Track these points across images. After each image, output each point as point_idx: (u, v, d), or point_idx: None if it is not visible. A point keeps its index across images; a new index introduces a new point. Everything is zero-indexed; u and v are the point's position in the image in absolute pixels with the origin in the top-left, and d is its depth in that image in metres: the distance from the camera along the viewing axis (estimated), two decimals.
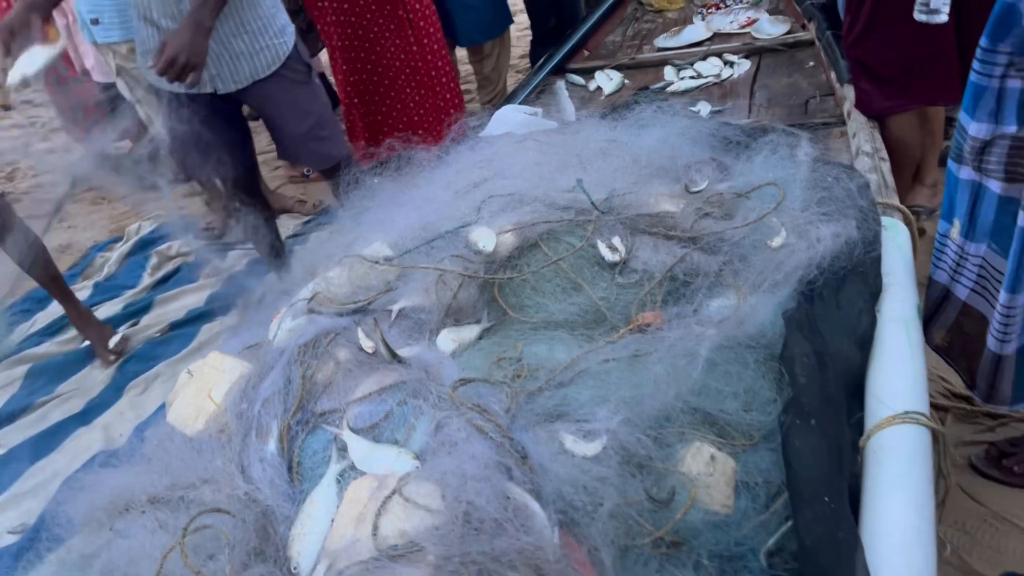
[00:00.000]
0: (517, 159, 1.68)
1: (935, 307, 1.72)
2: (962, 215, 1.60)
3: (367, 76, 3.24)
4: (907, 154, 2.27)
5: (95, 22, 2.88)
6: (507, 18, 3.61)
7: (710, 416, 1.05)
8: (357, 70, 3.23)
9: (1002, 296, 1.51)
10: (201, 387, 1.25)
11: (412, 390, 1.07)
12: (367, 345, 1.20)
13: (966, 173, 1.56)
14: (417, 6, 3.18)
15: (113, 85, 3.18)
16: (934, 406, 1.79)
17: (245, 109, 2.60)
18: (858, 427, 1.13)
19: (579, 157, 1.65)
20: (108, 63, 3.02)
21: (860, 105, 2.12)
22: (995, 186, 1.53)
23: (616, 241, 1.37)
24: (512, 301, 1.33)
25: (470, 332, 1.29)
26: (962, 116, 1.55)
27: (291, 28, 2.36)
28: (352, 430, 1.04)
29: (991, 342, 1.56)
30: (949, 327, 1.70)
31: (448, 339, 1.25)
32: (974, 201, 1.58)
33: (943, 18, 1.81)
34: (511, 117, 2.38)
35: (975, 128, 1.52)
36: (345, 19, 3.11)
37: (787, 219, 1.37)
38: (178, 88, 2.09)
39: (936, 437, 1.09)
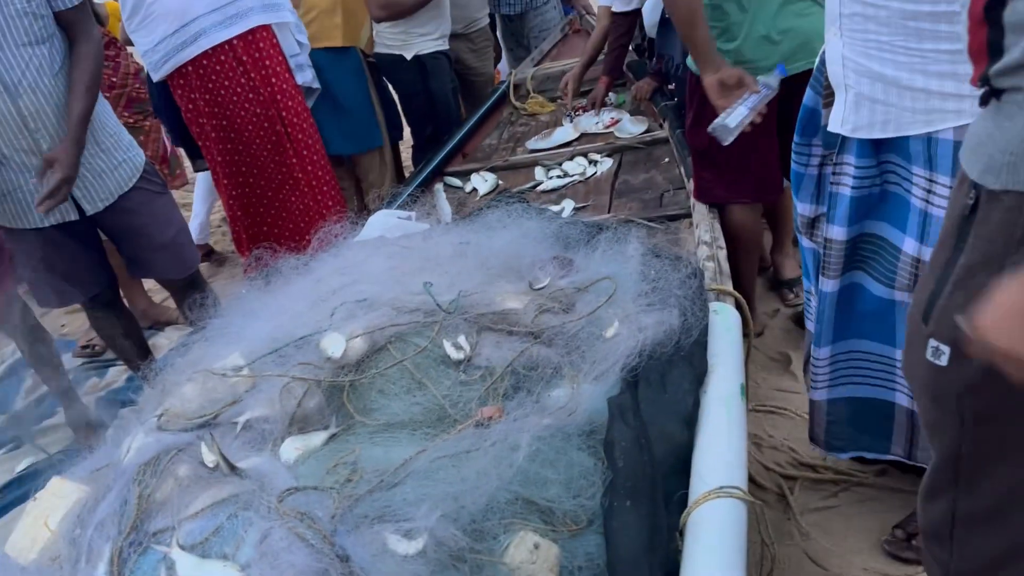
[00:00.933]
0: (375, 264, 1.75)
1: (807, 352, 1.85)
2: (812, 276, 1.78)
3: (249, 190, 3.28)
4: (749, 239, 2.43)
5: None
6: (377, 136, 3.76)
7: (536, 504, 1.10)
8: (239, 184, 3.27)
9: (812, 349, 1.68)
10: (39, 515, 1.23)
11: (244, 502, 1.09)
12: (209, 459, 1.21)
13: (806, 242, 1.78)
14: (295, 120, 3.27)
15: None
16: (784, 476, 1.88)
17: None
18: (684, 504, 1.19)
19: (434, 260, 1.73)
20: None
21: (699, 194, 2.28)
22: None
23: (461, 340, 1.44)
24: (359, 405, 1.36)
25: (316, 439, 1.31)
26: (793, 196, 1.76)
27: (134, 141, 2.47)
28: (181, 547, 1.04)
29: (811, 390, 1.72)
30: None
31: (291, 448, 1.27)
32: (817, 266, 1.74)
33: (726, 140, 1.98)
34: (384, 221, 2.46)
35: (802, 207, 1.74)
36: (225, 135, 3.17)
37: (619, 311, 1.47)
38: (42, 222, 2.12)
39: (753, 509, 1.17)
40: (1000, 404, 0.98)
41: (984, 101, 0.96)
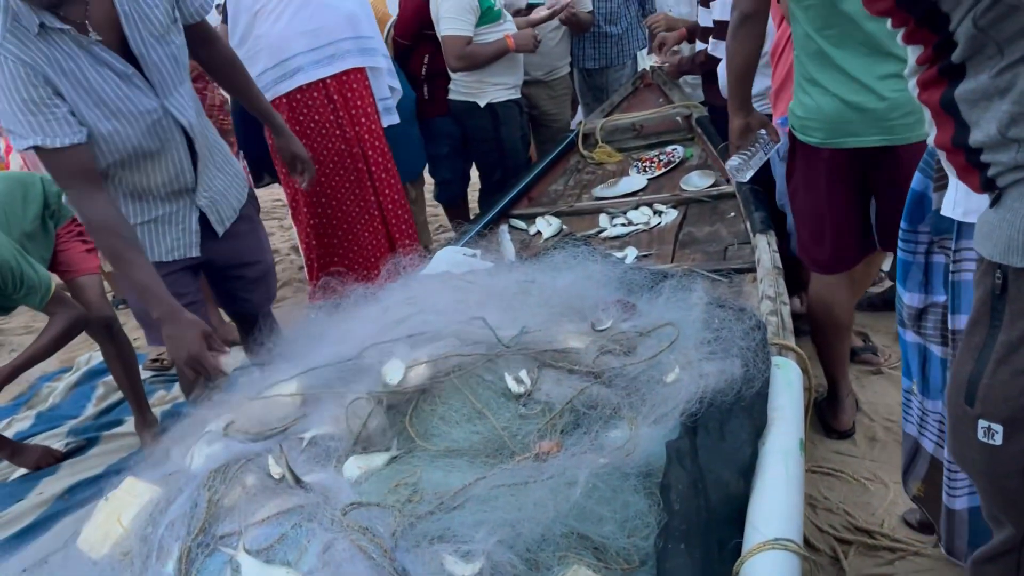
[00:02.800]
0: (440, 297, 1.80)
1: (909, 458, 1.79)
2: (916, 374, 1.71)
3: (327, 220, 3.41)
4: (827, 319, 2.39)
5: None
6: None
7: (591, 540, 1.12)
8: (317, 214, 3.40)
9: (946, 452, 1.59)
10: (112, 512, 1.29)
11: (308, 513, 1.13)
12: (275, 471, 1.26)
13: (910, 336, 1.69)
14: (378, 159, 3.40)
15: None
16: (838, 539, 1.85)
17: None
18: (737, 552, 1.19)
19: (497, 296, 1.77)
20: None
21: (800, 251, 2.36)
22: (937, 350, 1.65)
23: (523, 374, 1.47)
24: (420, 430, 1.40)
25: (379, 459, 1.35)
26: (898, 285, 1.70)
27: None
28: (247, 552, 1.08)
29: (944, 496, 1.62)
30: (923, 478, 1.76)
31: (354, 466, 1.32)
32: (923, 362, 1.69)
33: (742, 177, 2.07)
34: (450, 257, 2.52)
35: (908, 297, 1.67)
36: None
37: (681, 357, 1.48)
38: (168, 256, 2.16)
39: (807, 564, 1.16)
40: None
41: (994, 202, 1.01)
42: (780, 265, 2.23)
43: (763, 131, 2.20)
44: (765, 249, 2.30)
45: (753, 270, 2.30)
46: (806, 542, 1.83)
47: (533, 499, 1.12)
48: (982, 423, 1.04)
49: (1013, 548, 1.08)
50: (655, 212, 2.93)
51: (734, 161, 2.11)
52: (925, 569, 1.76)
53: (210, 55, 2.26)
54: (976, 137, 1.00)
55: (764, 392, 1.47)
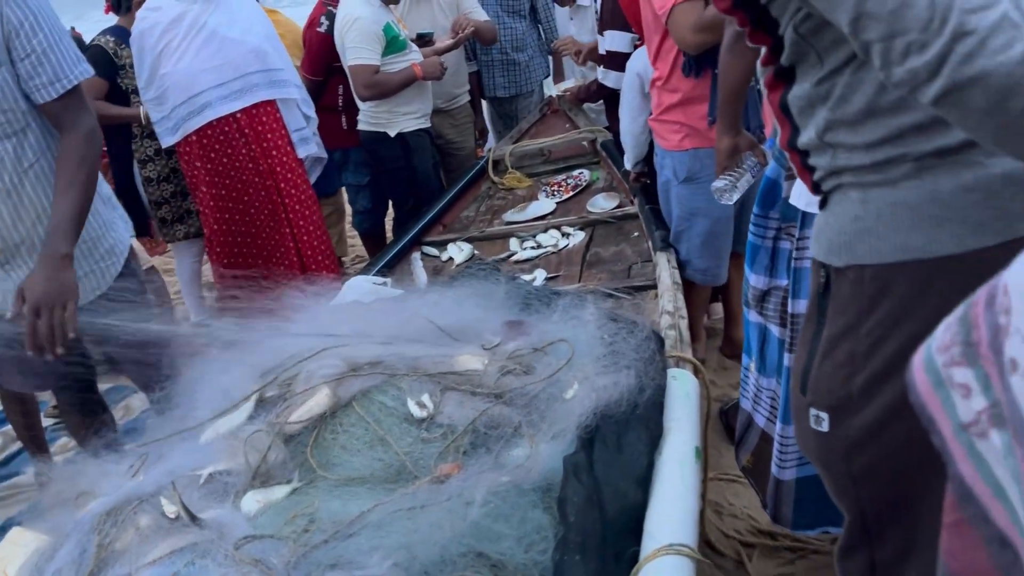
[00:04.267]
0: (344, 326, 1.79)
1: (743, 431, 1.89)
2: (755, 352, 1.81)
3: (242, 260, 3.40)
4: None
5: None
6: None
7: (489, 558, 1.13)
8: (232, 253, 3.41)
9: (778, 426, 1.70)
10: None
11: (202, 550, 1.11)
12: (170, 510, 1.23)
13: (753, 316, 1.81)
14: (292, 191, 3.41)
15: None
16: (742, 543, 1.91)
17: None
18: (635, 561, 1.22)
19: (402, 322, 1.78)
20: None
21: None
22: (775, 330, 1.76)
23: (425, 398, 1.48)
24: (322, 459, 1.39)
25: (279, 492, 1.34)
26: (746, 267, 1.80)
27: (123, 245, 2.14)
28: None
29: (774, 468, 1.72)
30: (753, 450, 1.87)
31: (253, 500, 1.30)
32: (762, 341, 1.79)
33: (728, 200, 2.09)
34: (360, 286, 2.52)
35: (754, 280, 1.78)
36: (222, 204, 3.33)
37: (578, 373, 1.52)
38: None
39: (702, 569, 1.20)
40: (883, 459, 1.05)
41: (822, 205, 1.09)
42: (679, 281, 2.31)
43: (751, 153, 2.14)
44: (665, 266, 2.38)
45: (655, 287, 2.37)
46: (711, 547, 1.88)
47: (430, 521, 1.13)
48: (812, 411, 1.11)
49: (861, 543, 1.14)
50: (563, 234, 2.99)
51: (720, 183, 2.07)
52: (824, 566, 1.83)
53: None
54: (802, 140, 1.07)
55: (660, 402, 1.52)
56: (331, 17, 3.70)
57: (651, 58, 2.54)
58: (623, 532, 1.25)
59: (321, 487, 1.33)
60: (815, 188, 1.10)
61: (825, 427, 1.10)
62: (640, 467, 1.36)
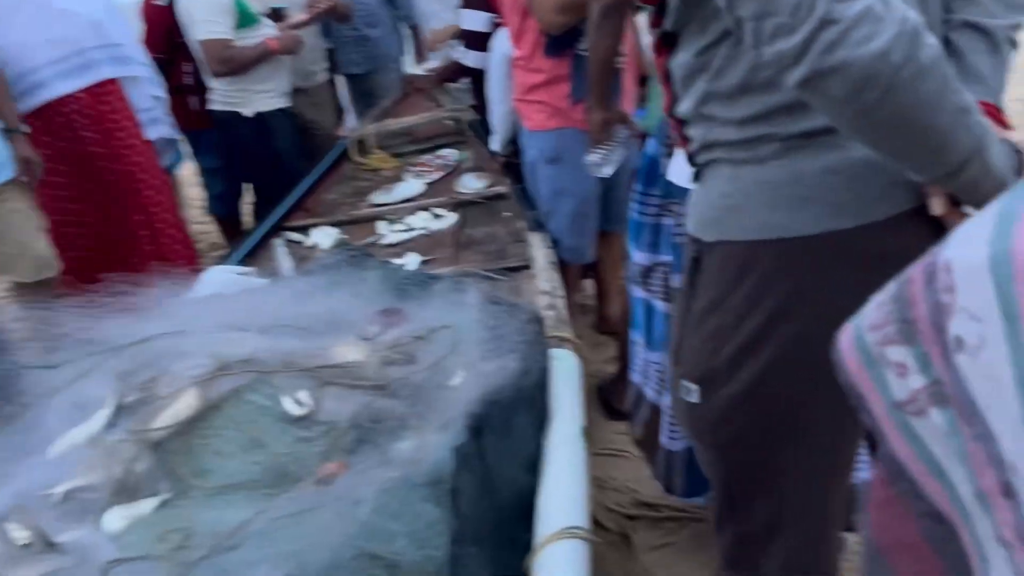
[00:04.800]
0: (206, 321, 1.68)
1: (634, 404, 1.93)
2: (641, 328, 1.84)
3: (84, 251, 3.12)
4: None
5: None
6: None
7: (382, 559, 1.08)
8: (71, 245, 3.11)
9: (666, 399, 1.74)
10: None
11: None
12: (19, 536, 1.11)
13: (638, 292, 1.83)
14: (142, 175, 3.19)
15: None
16: (626, 516, 1.95)
17: None
18: (530, 547, 1.21)
19: (272, 315, 1.68)
20: None
21: None
22: (660, 305, 1.80)
23: (302, 395, 1.40)
24: (193, 467, 1.29)
25: (146, 506, 1.23)
26: (629, 244, 1.83)
27: None
28: None
29: (664, 439, 1.77)
30: (645, 422, 1.91)
31: (117, 517, 1.19)
32: (648, 316, 1.83)
33: (602, 173, 2.13)
34: (220, 277, 2.37)
35: (638, 256, 1.81)
36: (63, 192, 3.05)
37: (462, 359, 1.48)
38: None
39: (597, 549, 1.20)
40: (748, 430, 1.09)
41: (696, 177, 1.11)
42: (555, 260, 2.32)
43: (623, 126, 2.18)
44: (539, 246, 2.38)
45: (529, 267, 2.37)
46: (596, 524, 1.91)
47: (317, 525, 1.07)
48: (683, 383, 1.14)
49: (729, 517, 1.18)
50: (434, 216, 2.93)
51: (593, 157, 2.08)
52: (706, 533, 1.89)
53: None
54: (681, 109, 1.08)
55: (545, 384, 1.51)
56: None
57: (512, 38, 2.53)
58: (517, 518, 1.24)
59: (194, 498, 1.23)
60: (690, 159, 1.11)
61: (695, 398, 1.13)
62: (530, 451, 1.35)
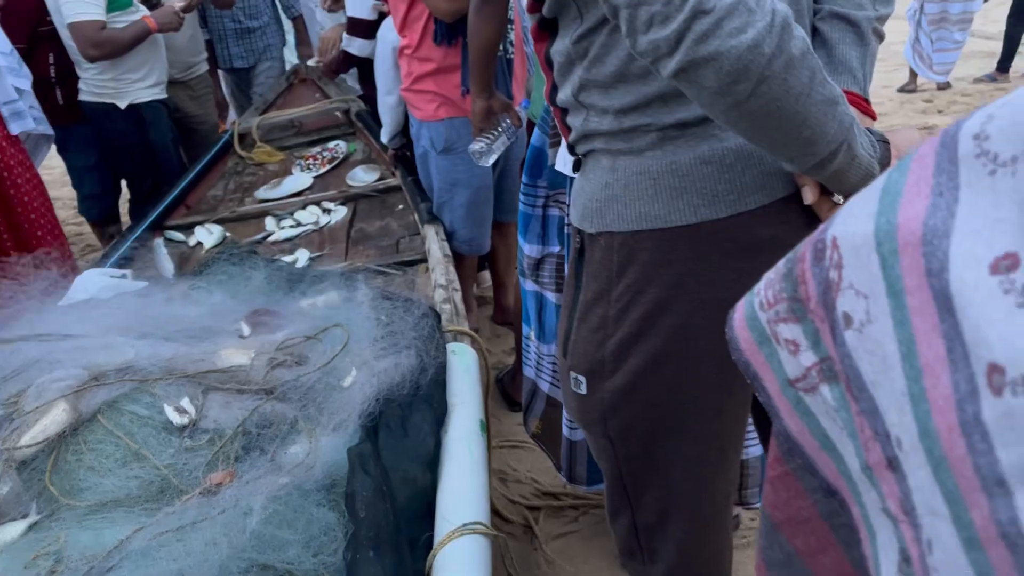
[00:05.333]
0: (80, 327, 1.57)
1: (529, 399, 1.92)
2: (533, 321, 1.83)
3: None
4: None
5: None
6: None
7: (274, 569, 1.04)
8: None
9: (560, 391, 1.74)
10: None
11: None
12: None
13: (529, 285, 1.82)
14: (6, 174, 2.97)
15: None
16: (528, 507, 1.95)
17: None
18: (430, 547, 1.18)
19: (151, 319, 1.59)
20: None
21: None
22: (552, 296, 1.79)
23: (185, 402, 1.33)
24: (65, 486, 1.21)
25: (13, 530, 1.14)
26: (519, 237, 1.81)
27: None
28: None
29: (565, 430, 1.77)
30: (541, 416, 1.90)
31: None
32: (540, 309, 1.82)
33: (485, 162, 2.11)
34: (95, 281, 2.23)
35: (528, 248, 1.79)
36: None
37: (355, 358, 1.44)
38: None
39: (498, 543, 1.19)
40: (635, 421, 1.11)
41: (576, 167, 1.12)
42: (449, 253, 2.29)
43: (506, 115, 2.13)
44: (434, 239, 2.35)
45: (425, 260, 2.34)
46: (499, 516, 1.90)
47: (204, 539, 1.01)
48: (572, 374, 1.14)
49: (622, 506, 1.20)
50: (324, 210, 2.86)
51: (476, 145, 2.03)
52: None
53: None
54: (560, 97, 1.08)
55: (442, 379, 1.49)
56: None
57: (397, 26, 2.47)
58: (416, 518, 1.21)
59: (66, 518, 1.15)
60: (570, 149, 1.11)
61: (583, 390, 1.13)
62: (427, 448, 1.31)
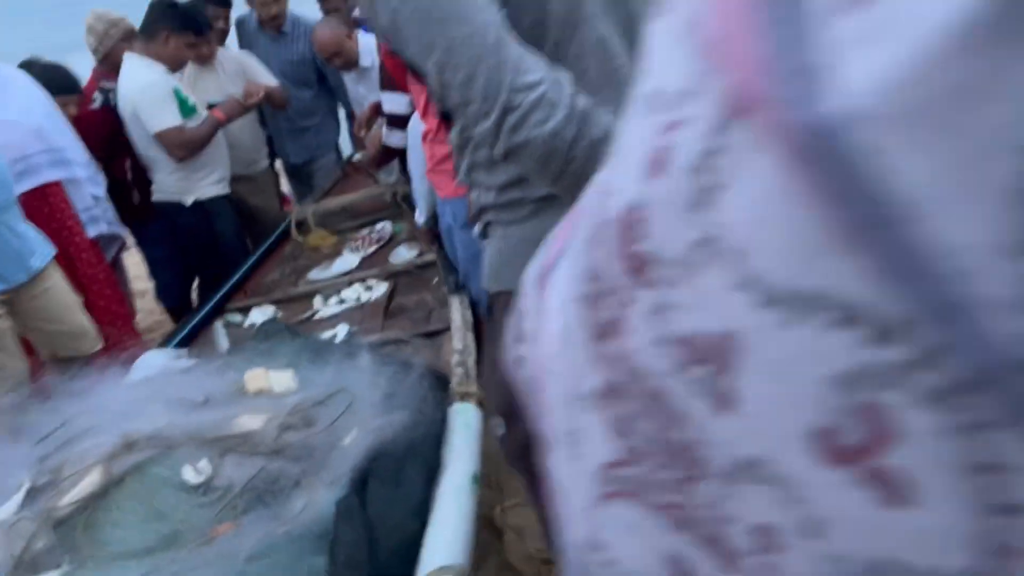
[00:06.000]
0: (123, 399, 1.76)
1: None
2: None
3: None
4: None
5: None
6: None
7: None
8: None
9: None
10: None
11: None
12: None
13: None
14: (88, 271, 3.31)
15: None
16: (544, 561, 2.01)
17: None
18: None
19: (185, 390, 1.76)
20: None
21: None
22: None
23: (202, 464, 1.48)
24: (94, 540, 1.36)
25: None
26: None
27: None
28: None
29: None
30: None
31: None
32: None
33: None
34: (155, 361, 2.45)
35: None
36: None
37: (357, 419, 1.57)
38: None
39: None
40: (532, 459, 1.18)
41: (483, 235, 1.26)
42: (470, 320, 2.42)
43: None
44: (456, 308, 2.48)
45: (449, 329, 2.47)
46: (514, 570, 1.96)
47: None
48: (493, 420, 1.24)
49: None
50: (366, 287, 3.04)
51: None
52: None
53: None
54: (459, 177, 1.22)
55: (438, 435, 1.60)
56: (105, 92, 3.61)
57: (420, 114, 2.67)
58: (403, 563, 1.31)
59: (90, 567, 1.30)
60: (473, 220, 1.24)
61: (501, 433, 1.23)
62: (418, 499, 1.42)
